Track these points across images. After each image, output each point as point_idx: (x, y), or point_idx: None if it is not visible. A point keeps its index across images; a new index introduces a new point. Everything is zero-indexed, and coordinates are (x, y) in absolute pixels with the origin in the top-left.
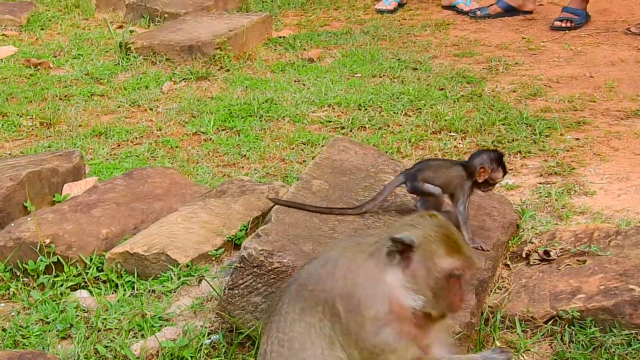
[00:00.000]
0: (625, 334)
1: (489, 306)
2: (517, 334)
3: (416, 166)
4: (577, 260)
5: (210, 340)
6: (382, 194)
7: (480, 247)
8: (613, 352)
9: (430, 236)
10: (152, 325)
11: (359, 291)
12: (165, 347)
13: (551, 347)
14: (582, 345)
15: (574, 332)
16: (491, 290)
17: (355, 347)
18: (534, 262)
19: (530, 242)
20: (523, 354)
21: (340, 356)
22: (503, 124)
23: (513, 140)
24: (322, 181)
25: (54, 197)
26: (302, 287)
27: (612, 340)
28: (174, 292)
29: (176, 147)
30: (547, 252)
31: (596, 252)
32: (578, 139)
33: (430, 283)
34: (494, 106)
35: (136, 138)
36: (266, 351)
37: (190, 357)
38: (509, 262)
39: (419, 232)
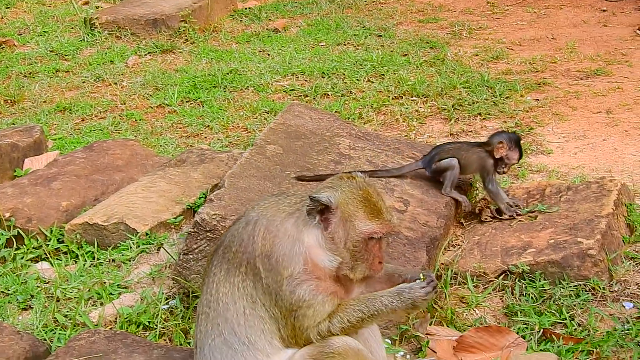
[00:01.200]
0: (574, 286)
1: (441, 263)
2: (469, 289)
3: (433, 151)
4: (529, 215)
5: (167, 306)
6: (398, 170)
7: (517, 212)
8: (561, 303)
9: (349, 198)
10: (110, 293)
11: (277, 250)
12: (122, 314)
13: (502, 301)
14: (532, 297)
15: (524, 285)
16: (444, 248)
17: (275, 304)
18: (485, 218)
19: (484, 199)
20: (475, 309)
21: (262, 315)
22: (464, 87)
23: (473, 103)
24: (277, 146)
25: (14, 171)
26: (227, 249)
27: (561, 292)
28: (133, 261)
29: (140, 120)
30: (498, 211)
31: (542, 210)
32: (538, 99)
33: (348, 245)
34: (455, 70)
35: (100, 112)
36: (198, 314)
37: (148, 322)
38: (462, 220)
39: (337, 193)
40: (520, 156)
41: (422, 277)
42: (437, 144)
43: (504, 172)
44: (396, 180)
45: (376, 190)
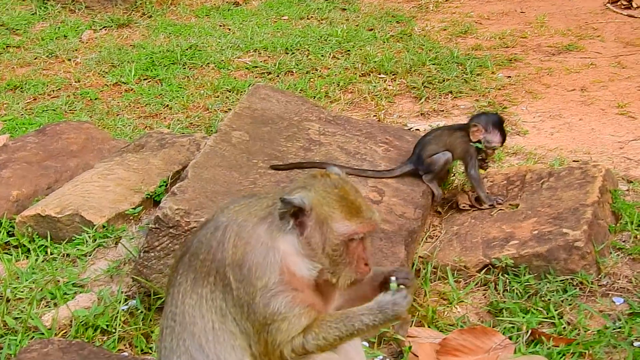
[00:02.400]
0: (561, 280)
1: (419, 257)
2: (450, 285)
3: (417, 147)
4: (510, 204)
5: (127, 307)
6: (389, 172)
7: (497, 201)
8: (548, 299)
9: (324, 198)
10: (65, 293)
11: (250, 259)
12: (78, 317)
13: (485, 297)
14: (516, 293)
15: (508, 280)
16: (422, 240)
17: (247, 318)
18: (463, 206)
19: (462, 189)
20: (457, 306)
21: (232, 330)
22: (433, 64)
23: (444, 80)
24: (242, 132)
25: None
26: (193, 257)
27: (547, 287)
28: (90, 256)
29: (95, 99)
30: (477, 199)
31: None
32: (510, 76)
33: (327, 250)
34: (424, 46)
35: (53, 91)
36: (162, 327)
37: (106, 325)
38: (440, 209)
39: (311, 194)
40: (503, 139)
41: (394, 285)
42: (421, 132)
43: (484, 159)
44: (368, 164)
45: (353, 187)
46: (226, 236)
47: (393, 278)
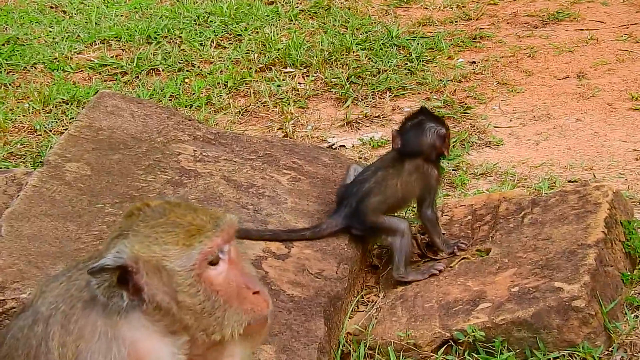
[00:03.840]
0: (555, 358)
1: (348, 333)
2: None
3: (350, 199)
4: (478, 250)
5: None
6: (313, 232)
7: (459, 247)
8: None
9: (149, 238)
10: None
11: None
12: None
13: None
14: None
15: None
16: (351, 309)
17: None
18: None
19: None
20: None
21: None
22: (363, 49)
23: (379, 72)
24: (81, 164)
25: None
26: (8, 358)
27: None
28: None
29: None
30: (430, 245)
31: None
32: (474, 62)
33: (184, 302)
34: (348, 23)
35: None
36: None
37: None
38: (376, 262)
39: (130, 241)
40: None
41: None
42: (353, 172)
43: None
44: (267, 201)
45: (189, 206)
46: (49, 332)
47: None
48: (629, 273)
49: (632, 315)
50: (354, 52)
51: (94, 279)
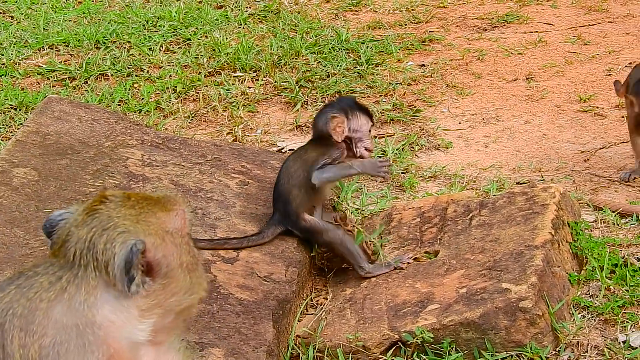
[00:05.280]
0: (502, 358)
1: (297, 336)
2: None
3: (278, 202)
4: (426, 252)
5: None
6: (255, 238)
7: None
8: None
9: (139, 214)
10: None
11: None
12: None
13: None
14: None
15: None
16: (300, 312)
17: None
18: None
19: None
20: None
21: None
22: (312, 53)
23: (328, 76)
24: (28, 169)
25: None
26: None
27: None
28: None
29: None
30: (369, 248)
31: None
32: (423, 65)
33: (185, 260)
34: (298, 27)
35: None
36: None
37: None
38: (325, 264)
39: (125, 225)
40: (371, 120)
41: None
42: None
43: (362, 156)
44: (216, 205)
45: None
46: (6, 338)
47: None
48: (575, 274)
49: (579, 315)
50: (303, 55)
51: (122, 273)
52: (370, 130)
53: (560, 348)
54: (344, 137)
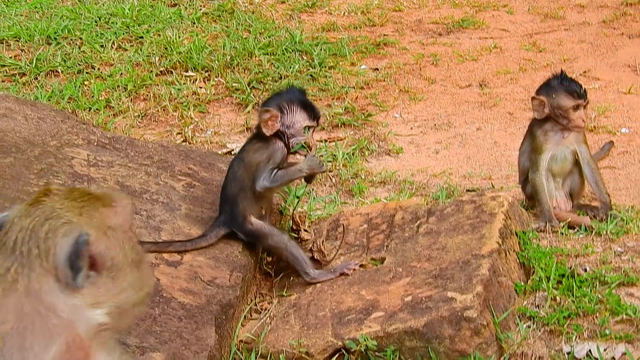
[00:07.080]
0: None
1: (240, 341)
2: None
3: (225, 205)
4: (372, 258)
5: None
6: (199, 240)
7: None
8: None
9: (81, 208)
10: None
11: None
12: None
13: None
14: None
15: None
16: (243, 317)
17: None
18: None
19: (301, 238)
20: None
21: None
22: (265, 54)
23: (281, 78)
24: None
25: None
26: None
27: None
28: None
29: None
30: (323, 253)
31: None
32: (377, 69)
33: (130, 255)
34: (252, 27)
35: None
36: None
37: None
38: (269, 269)
39: (69, 218)
40: (314, 115)
41: None
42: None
43: (305, 154)
44: (161, 207)
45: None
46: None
47: None
48: (522, 283)
49: (524, 325)
50: (256, 56)
51: (68, 270)
52: (309, 128)
53: (504, 358)
54: (274, 131)
